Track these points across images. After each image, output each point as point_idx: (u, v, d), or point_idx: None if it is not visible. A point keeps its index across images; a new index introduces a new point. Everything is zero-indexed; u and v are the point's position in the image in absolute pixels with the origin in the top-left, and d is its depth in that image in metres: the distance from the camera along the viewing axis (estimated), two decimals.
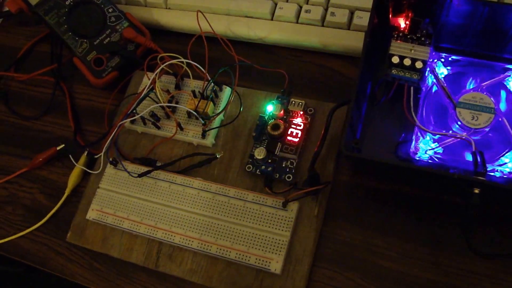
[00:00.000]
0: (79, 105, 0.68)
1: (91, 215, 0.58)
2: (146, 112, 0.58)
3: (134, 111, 0.58)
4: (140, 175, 0.57)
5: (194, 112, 0.57)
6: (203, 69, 0.58)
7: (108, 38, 0.65)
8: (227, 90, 0.60)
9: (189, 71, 0.59)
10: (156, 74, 0.57)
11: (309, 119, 0.58)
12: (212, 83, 0.58)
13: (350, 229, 0.54)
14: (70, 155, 0.63)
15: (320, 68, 0.63)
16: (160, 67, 0.57)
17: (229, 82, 0.60)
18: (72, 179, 0.62)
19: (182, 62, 0.58)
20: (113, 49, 0.64)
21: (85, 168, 0.62)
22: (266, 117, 0.58)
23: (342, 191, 0.56)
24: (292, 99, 0.59)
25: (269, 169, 0.56)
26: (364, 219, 0.54)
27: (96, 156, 0.62)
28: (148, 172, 0.57)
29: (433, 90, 0.56)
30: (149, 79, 0.59)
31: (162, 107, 0.59)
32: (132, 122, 0.60)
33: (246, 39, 0.65)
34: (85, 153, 0.63)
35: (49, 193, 0.64)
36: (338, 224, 0.55)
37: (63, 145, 0.65)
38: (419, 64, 0.53)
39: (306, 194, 0.53)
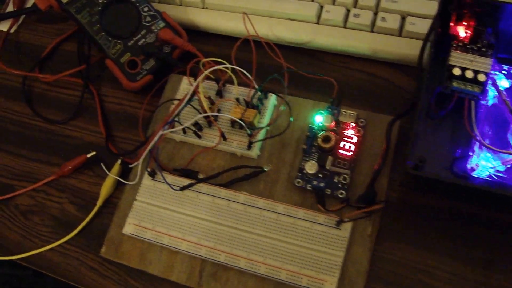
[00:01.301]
0: (109, 109, 0.65)
1: (128, 229, 0.55)
2: (191, 122, 0.54)
3: (177, 119, 0.55)
4: (183, 188, 0.54)
5: (241, 122, 0.54)
6: (249, 76, 0.54)
7: (143, 39, 0.61)
8: (272, 98, 0.57)
9: (234, 77, 0.55)
10: (199, 81, 0.53)
11: (361, 131, 0.54)
12: (259, 91, 0.55)
13: (403, 248, 0.52)
14: (101, 164, 0.59)
15: (369, 76, 0.60)
16: (204, 73, 0.54)
17: (273, 90, 0.57)
18: (105, 189, 0.59)
19: (227, 67, 0.54)
20: (149, 51, 0.60)
21: (118, 178, 0.58)
22: (316, 128, 0.55)
23: (394, 208, 0.53)
24: (342, 110, 0.55)
25: (322, 184, 0.53)
26: (417, 237, 0.52)
27: (131, 166, 0.58)
28: (191, 185, 0.54)
29: (492, 103, 0.53)
30: (191, 85, 0.56)
31: (206, 117, 0.56)
32: (166, 127, 0.57)
33: (289, 42, 0.62)
34: (119, 161, 0.59)
35: (79, 203, 0.60)
36: (390, 243, 0.52)
37: (94, 153, 0.61)
38: (481, 77, 0.50)
39: (367, 213, 0.50)
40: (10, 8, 0.74)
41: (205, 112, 0.55)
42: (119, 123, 0.64)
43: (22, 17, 0.73)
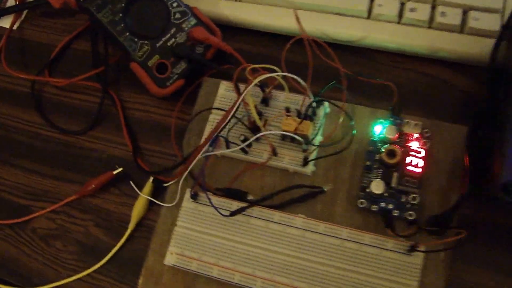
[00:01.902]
0: (133, 118, 0.58)
1: (171, 260, 0.49)
2: (247, 142, 0.48)
3: (225, 137, 0.48)
4: (233, 214, 0.48)
5: (296, 136, 0.47)
6: (304, 84, 0.48)
7: (173, 39, 0.54)
8: (324, 107, 0.51)
9: (285, 84, 0.49)
10: (247, 91, 0.47)
11: (427, 143, 0.49)
12: (314, 102, 0.49)
13: (480, 273, 0.47)
14: (131, 182, 0.53)
15: (426, 78, 0.54)
16: (253, 82, 0.47)
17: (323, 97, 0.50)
18: (137, 211, 0.52)
19: (278, 75, 0.48)
20: (182, 52, 0.53)
21: (152, 199, 0.52)
22: (378, 141, 0.49)
23: (466, 228, 0.48)
24: (405, 119, 0.49)
25: (390, 206, 0.47)
26: (494, 261, 0.47)
27: (166, 185, 0.51)
28: (244, 209, 0.48)
29: None
30: (236, 94, 0.49)
31: (251, 128, 0.49)
32: (212, 144, 0.50)
33: (336, 40, 0.56)
34: (151, 180, 0.52)
35: (106, 226, 0.54)
36: (465, 268, 0.47)
37: (121, 169, 0.54)
38: None
39: (457, 244, 0.44)
40: (11, 2, 0.65)
41: (256, 127, 0.49)
42: (146, 134, 0.57)
43: (25, 11, 0.64)
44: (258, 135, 0.47)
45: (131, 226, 0.52)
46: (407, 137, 0.50)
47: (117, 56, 0.59)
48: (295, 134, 0.49)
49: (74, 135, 0.58)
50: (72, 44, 0.63)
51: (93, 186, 0.54)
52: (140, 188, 0.53)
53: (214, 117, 0.53)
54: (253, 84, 0.47)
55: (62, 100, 0.60)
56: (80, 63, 0.61)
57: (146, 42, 0.54)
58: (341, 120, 0.49)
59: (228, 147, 0.50)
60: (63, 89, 0.60)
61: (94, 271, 0.52)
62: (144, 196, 0.52)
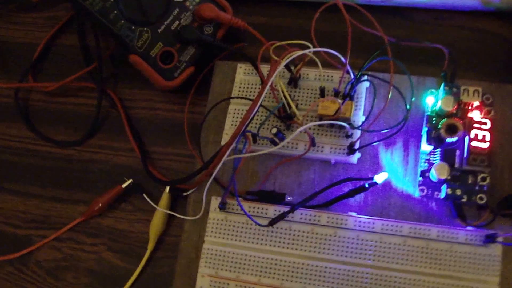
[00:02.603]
0: (137, 118, 0.53)
1: (203, 284, 0.45)
2: (287, 140, 0.43)
3: (255, 132, 0.43)
4: (272, 222, 0.43)
5: (343, 123, 0.42)
6: (342, 58, 0.42)
7: (177, 22, 0.49)
8: (365, 82, 0.46)
9: (318, 60, 0.43)
10: (276, 74, 0.42)
11: (491, 112, 0.44)
12: (356, 78, 0.43)
13: None
14: (144, 195, 0.48)
15: (479, 34, 0.50)
16: (282, 64, 0.42)
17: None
18: (155, 228, 0.48)
19: (312, 51, 0.42)
20: (189, 36, 0.48)
21: (172, 213, 0.47)
22: (433, 116, 0.44)
23: None
24: (462, 86, 0.44)
25: (458, 192, 0.42)
26: None
27: (186, 194, 0.46)
28: (284, 215, 0.43)
29: None
30: (261, 79, 0.44)
31: (281, 117, 0.44)
32: (238, 142, 0.45)
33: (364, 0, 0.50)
34: (167, 189, 0.48)
35: (122, 249, 0.49)
36: None
37: (131, 181, 0.49)
38: None
39: None
40: None
41: (287, 114, 0.44)
42: (155, 135, 0.52)
43: None
44: (300, 130, 0.41)
45: (150, 246, 0.48)
46: (466, 107, 0.45)
47: (111, 48, 0.54)
48: (336, 118, 0.43)
49: (71, 146, 0.53)
50: (56, 40, 0.57)
51: (100, 205, 0.50)
52: (156, 200, 0.48)
53: (235, 108, 0.48)
54: (282, 65, 0.42)
55: (52, 108, 0.55)
56: (69, 62, 0.56)
57: (145, 29, 0.49)
58: (390, 96, 0.44)
59: (255, 142, 0.45)
60: (53, 94, 0.55)
61: None
62: (161, 209, 0.48)
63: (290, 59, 0.42)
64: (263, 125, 0.46)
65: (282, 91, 0.43)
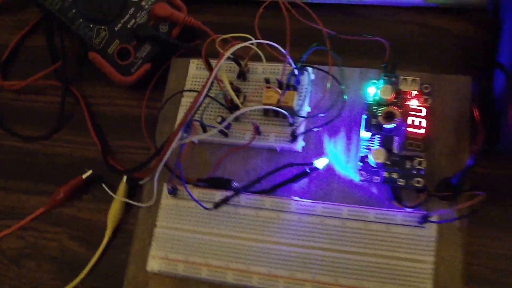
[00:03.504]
0: (100, 113, 0.55)
1: (154, 265, 0.46)
2: (225, 123, 0.44)
3: (199, 120, 0.45)
4: (216, 205, 0.45)
5: (280, 110, 0.44)
6: (283, 50, 0.44)
7: (133, 20, 0.51)
8: (309, 73, 0.48)
9: (262, 54, 0.46)
10: (220, 65, 0.44)
11: (429, 100, 0.45)
12: (296, 69, 0.45)
13: (502, 237, 0.44)
14: (103, 184, 0.49)
15: (421, 28, 0.51)
16: (225, 55, 0.44)
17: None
18: (112, 216, 0.50)
19: (253, 43, 0.45)
20: (143, 34, 0.50)
21: (128, 201, 0.49)
22: (373, 104, 0.46)
23: (481, 190, 0.44)
24: (401, 76, 0.46)
25: (394, 175, 0.44)
26: None
27: (141, 182, 0.48)
28: (228, 199, 0.45)
29: None
30: (208, 71, 0.46)
31: (229, 107, 0.46)
32: (186, 130, 0.47)
33: None
34: (124, 179, 0.50)
35: (82, 237, 0.51)
36: (485, 233, 0.44)
37: (90, 171, 0.51)
38: None
39: (476, 207, 0.41)
40: None
41: (232, 103, 0.46)
42: (116, 129, 0.54)
43: None
44: (236, 114, 0.43)
45: (108, 234, 0.49)
46: (405, 96, 0.46)
47: (76, 47, 0.56)
48: (278, 107, 0.45)
49: (37, 141, 0.55)
50: (25, 41, 0.60)
51: (62, 195, 0.51)
52: (114, 190, 0.50)
53: (187, 100, 0.50)
54: (225, 56, 0.44)
55: (20, 105, 0.57)
56: (37, 62, 0.58)
57: (103, 27, 0.51)
58: (328, 85, 0.46)
59: (205, 131, 0.47)
60: (20, 92, 0.57)
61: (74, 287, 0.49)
62: (118, 198, 0.49)
63: (232, 50, 0.44)
64: (205, 113, 0.48)
65: (224, 82, 0.45)
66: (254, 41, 0.44)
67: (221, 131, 0.47)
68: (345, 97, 0.45)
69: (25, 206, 0.53)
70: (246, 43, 0.44)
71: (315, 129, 0.46)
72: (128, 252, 0.47)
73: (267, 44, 0.45)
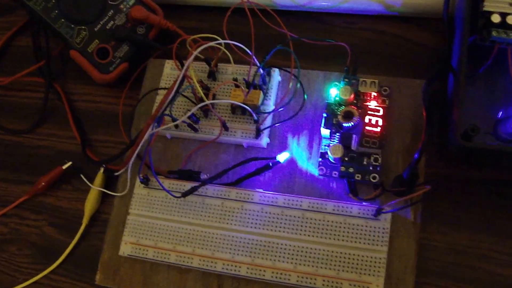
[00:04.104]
0: (80, 109, 0.57)
1: (125, 250, 0.48)
2: (187, 115, 0.46)
3: (167, 113, 0.47)
4: (185, 194, 0.47)
5: (245, 106, 0.46)
6: (248, 51, 0.47)
7: (112, 22, 0.53)
8: (275, 74, 0.50)
9: (229, 55, 0.48)
10: (188, 63, 0.46)
11: (386, 101, 0.47)
12: (261, 68, 0.47)
13: (450, 232, 0.46)
14: (81, 175, 0.51)
15: (382, 36, 0.54)
16: (194, 53, 0.46)
17: (275, 64, 0.50)
18: (89, 205, 0.51)
19: (220, 44, 0.47)
20: (121, 34, 0.52)
21: (104, 190, 0.51)
22: (333, 104, 0.48)
23: (434, 187, 0.46)
24: (361, 78, 0.48)
25: (350, 170, 0.46)
26: (465, 218, 0.46)
27: (116, 174, 0.50)
28: (195, 189, 0.47)
29: None
30: (178, 69, 0.48)
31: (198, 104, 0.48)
32: (158, 125, 0.49)
33: (284, 6, 0.54)
34: (101, 170, 0.52)
35: (61, 224, 0.53)
36: (436, 228, 0.46)
37: (70, 163, 0.53)
38: None
39: (423, 198, 0.43)
40: None
41: (201, 100, 0.48)
42: (95, 124, 0.56)
43: None
44: (200, 105, 0.46)
45: (84, 222, 0.51)
46: (364, 97, 0.49)
47: (60, 47, 0.58)
48: (244, 104, 0.47)
49: (21, 134, 0.57)
50: (13, 41, 0.62)
51: (43, 183, 0.53)
52: (92, 180, 0.52)
53: (161, 98, 0.52)
54: (193, 55, 0.46)
55: (6, 100, 0.59)
56: (23, 60, 0.60)
57: (83, 27, 0.53)
58: (290, 85, 0.48)
59: (177, 127, 0.49)
60: (6, 87, 0.60)
61: (51, 272, 0.51)
62: (95, 188, 0.51)
63: (200, 49, 0.46)
64: (176, 109, 0.50)
65: (193, 79, 0.47)
66: (220, 41, 0.46)
67: (190, 126, 0.49)
68: (305, 96, 0.47)
69: (8, 194, 0.55)
70: (213, 43, 0.46)
71: (277, 125, 0.48)
72: (103, 238, 0.49)
73: (235, 45, 0.47)
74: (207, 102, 0.46)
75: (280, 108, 0.47)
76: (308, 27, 0.55)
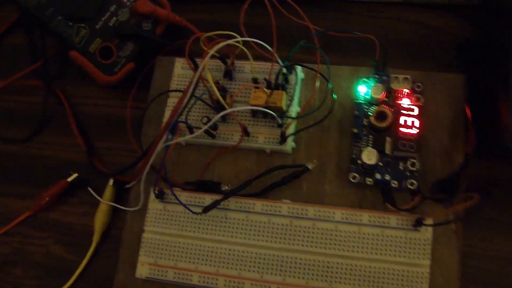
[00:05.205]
0: (83, 114, 0.51)
1: (142, 272, 0.42)
2: (209, 124, 0.40)
3: (184, 121, 0.41)
4: (206, 210, 0.41)
5: (267, 111, 0.40)
6: (270, 48, 0.40)
7: (115, 18, 0.47)
8: (298, 72, 0.44)
9: (248, 52, 0.41)
10: (204, 64, 0.39)
11: (421, 99, 0.42)
12: (284, 67, 0.41)
13: (495, 239, 0.41)
14: (89, 188, 0.45)
15: (411, 26, 0.48)
16: (210, 53, 0.40)
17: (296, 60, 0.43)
18: (99, 221, 0.46)
19: (238, 42, 0.40)
20: (125, 32, 0.46)
21: (115, 205, 0.45)
22: (364, 104, 0.42)
23: (477, 191, 0.41)
24: (392, 74, 0.42)
25: (387, 177, 0.40)
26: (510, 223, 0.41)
27: (127, 186, 0.44)
28: (217, 203, 0.41)
29: None
30: (192, 70, 0.42)
31: (215, 108, 0.42)
32: (173, 132, 0.42)
33: None
34: (111, 182, 0.45)
35: (69, 242, 0.47)
36: (479, 235, 0.42)
37: (76, 175, 0.47)
38: None
39: (470, 210, 0.38)
40: None
41: (218, 103, 0.41)
42: (101, 130, 0.50)
43: None
44: (221, 114, 0.39)
45: (95, 238, 0.46)
46: (396, 95, 0.43)
47: (57, 46, 0.51)
48: (266, 107, 0.41)
49: (19, 143, 0.50)
50: (4, 39, 0.55)
51: (47, 198, 0.47)
52: (101, 193, 0.46)
53: (173, 101, 0.46)
54: (209, 55, 0.40)
55: (1, 106, 0.52)
56: (17, 60, 0.53)
57: (83, 25, 0.46)
58: (317, 84, 0.42)
59: (191, 132, 0.43)
60: (1, 92, 0.52)
61: None
62: (105, 202, 0.45)
63: (216, 48, 0.40)
64: (191, 114, 0.44)
65: (209, 81, 0.41)
66: (239, 38, 0.40)
67: (208, 133, 0.43)
68: (335, 96, 0.42)
69: (9, 210, 0.49)
70: (230, 41, 0.40)
71: (304, 130, 0.42)
72: (117, 257, 0.43)
73: (253, 42, 0.40)
74: (228, 110, 0.40)
75: (311, 112, 0.41)
76: (329, 17, 0.49)
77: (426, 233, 0.40)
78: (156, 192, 0.42)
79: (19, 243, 0.48)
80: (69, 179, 0.47)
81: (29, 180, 0.49)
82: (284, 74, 0.43)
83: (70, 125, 0.49)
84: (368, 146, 0.42)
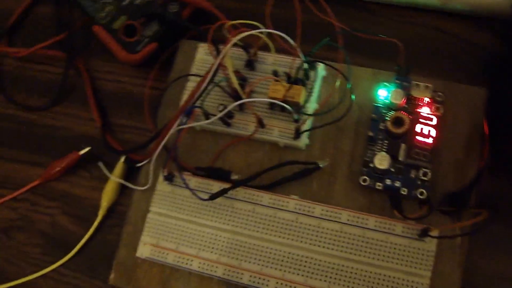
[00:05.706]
0: (103, 89, 0.50)
1: (144, 252, 0.41)
2: (224, 112, 0.40)
3: (200, 106, 0.40)
4: (213, 197, 0.40)
5: (284, 105, 0.39)
6: (293, 43, 0.39)
7: None
8: (320, 69, 0.42)
9: (271, 44, 0.40)
10: (225, 52, 0.39)
11: (440, 109, 0.40)
12: (305, 62, 0.40)
13: (502, 260, 0.40)
14: (100, 163, 0.45)
15: (437, 33, 0.46)
16: (232, 41, 0.39)
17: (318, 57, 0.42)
18: (107, 196, 0.45)
19: (262, 32, 0.39)
20: (151, 11, 0.45)
21: (124, 182, 0.44)
22: (383, 108, 0.41)
23: (486, 207, 0.40)
24: (414, 81, 0.41)
25: (397, 184, 0.39)
26: None
27: (138, 165, 0.44)
28: (225, 191, 0.40)
29: None
30: (213, 57, 0.41)
31: (233, 96, 0.41)
32: (188, 116, 0.42)
33: None
34: (122, 159, 0.45)
35: (75, 214, 0.46)
36: (485, 254, 0.40)
37: (88, 148, 0.47)
38: None
39: (477, 227, 0.37)
40: None
41: (235, 92, 0.41)
42: (118, 107, 0.49)
43: None
44: (236, 103, 0.39)
45: (101, 213, 0.45)
46: (416, 102, 0.42)
47: (84, 19, 0.51)
48: (284, 101, 0.40)
49: (37, 111, 0.50)
50: (33, 8, 0.54)
51: (57, 169, 0.47)
52: (111, 169, 0.45)
53: (192, 85, 0.45)
54: (231, 43, 0.39)
55: (22, 73, 0.52)
56: (43, 30, 0.53)
57: (109, 1, 0.45)
58: (338, 83, 0.41)
59: (207, 118, 0.42)
60: (24, 59, 0.52)
61: (61, 265, 0.45)
62: (114, 178, 0.45)
63: (239, 37, 0.39)
64: (209, 100, 0.43)
65: (228, 69, 0.40)
66: (262, 30, 0.39)
67: (223, 120, 0.42)
68: (353, 96, 0.41)
69: (20, 176, 0.48)
70: (254, 31, 0.39)
71: (320, 127, 0.41)
72: (120, 234, 0.43)
73: (277, 34, 0.40)
74: (245, 100, 0.39)
75: (329, 111, 0.40)
76: (355, 16, 0.48)
77: (431, 244, 0.39)
78: (166, 174, 0.42)
79: (26, 210, 0.47)
80: (81, 152, 0.47)
81: (42, 149, 0.49)
82: (305, 69, 0.42)
83: (88, 99, 0.49)
84: (382, 150, 0.40)
